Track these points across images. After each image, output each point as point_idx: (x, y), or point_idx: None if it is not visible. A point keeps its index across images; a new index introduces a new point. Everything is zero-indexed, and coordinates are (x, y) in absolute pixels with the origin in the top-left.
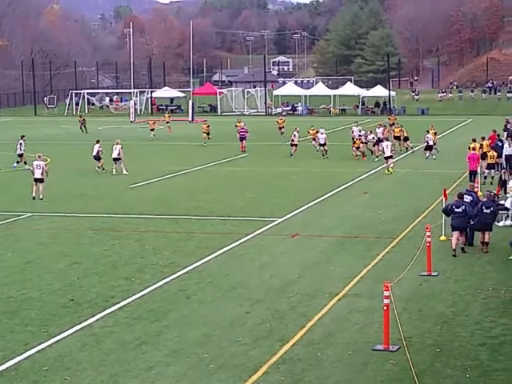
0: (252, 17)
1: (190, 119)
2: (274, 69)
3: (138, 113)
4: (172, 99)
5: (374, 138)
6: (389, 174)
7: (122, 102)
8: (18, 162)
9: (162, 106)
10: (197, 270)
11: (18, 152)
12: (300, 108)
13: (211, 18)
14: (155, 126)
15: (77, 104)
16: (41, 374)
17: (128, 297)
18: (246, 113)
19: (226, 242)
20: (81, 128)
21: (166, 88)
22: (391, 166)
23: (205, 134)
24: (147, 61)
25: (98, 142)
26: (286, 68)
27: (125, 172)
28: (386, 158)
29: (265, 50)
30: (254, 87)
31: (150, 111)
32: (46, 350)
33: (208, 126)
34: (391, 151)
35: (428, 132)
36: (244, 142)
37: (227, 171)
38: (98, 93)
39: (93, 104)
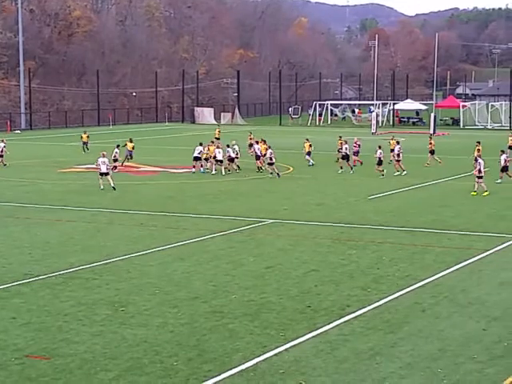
0: (500, 29)
1: (432, 132)
2: None
3: (380, 125)
4: (418, 112)
5: None
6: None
7: (368, 113)
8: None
9: (403, 118)
10: (433, 284)
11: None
12: None
13: (457, 30)
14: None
15: (320, 115)
16: (277, 377)
17: (363, 306)
18: (489, 127)
19: (464, 257)
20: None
21: (409, 100)
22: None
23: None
24: (390, 73)
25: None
26: None
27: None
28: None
29: None
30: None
31: (391, 123)
32: (283, 353)
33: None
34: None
35: None
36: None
37: (463, 185)
38: (341, 104)
39: (335, 115)
